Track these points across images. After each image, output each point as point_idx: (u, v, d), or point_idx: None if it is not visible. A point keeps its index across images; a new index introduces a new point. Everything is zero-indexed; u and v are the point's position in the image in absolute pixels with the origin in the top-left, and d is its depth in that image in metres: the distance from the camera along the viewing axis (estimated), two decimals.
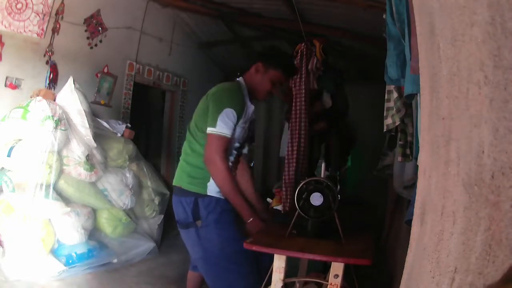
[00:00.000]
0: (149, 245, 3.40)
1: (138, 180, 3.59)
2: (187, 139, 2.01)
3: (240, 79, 2.07)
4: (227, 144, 1.82)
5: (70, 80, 3.02)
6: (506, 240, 0.47)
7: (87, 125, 2.97)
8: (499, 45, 0.48)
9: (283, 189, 3.09)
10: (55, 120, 2.75)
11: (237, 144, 1.98)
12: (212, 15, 4.61)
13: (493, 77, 0.49)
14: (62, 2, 3.40)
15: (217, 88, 2.02)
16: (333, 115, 3.18)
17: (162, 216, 3.79)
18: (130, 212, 3.42)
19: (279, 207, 3.00)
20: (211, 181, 1.86)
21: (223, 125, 1.79)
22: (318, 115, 3.14)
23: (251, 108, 1.98)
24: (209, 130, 1.81)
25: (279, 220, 1.97)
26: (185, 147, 2.01)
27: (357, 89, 4.09)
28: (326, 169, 1.98)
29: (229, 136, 1.81)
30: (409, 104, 1.70)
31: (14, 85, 3.13)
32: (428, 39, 0.68)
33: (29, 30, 3.14)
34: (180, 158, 2.02)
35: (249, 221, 1.85)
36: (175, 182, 1.97)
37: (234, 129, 1.85)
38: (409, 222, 0.98)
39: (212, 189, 1.87)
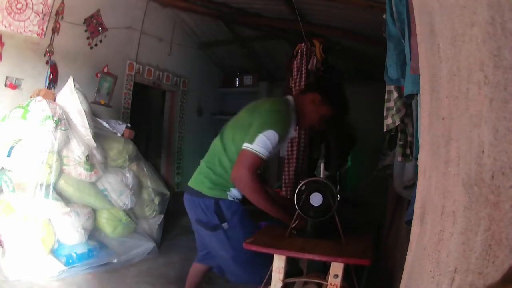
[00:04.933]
0: (149, 245, 3.40)
1: (138, 180, 3.59)
2: (216, 144, 1.95)
3: (290, 98, 1.96)
4: (260, 164, 1.74)
5: (70, 80, 3.02)
6: (506, 240, 0.47)
7: (87, 125, 2.97)
8: (499, 45, 0.48)
9: (283, 189, 3.09)
10: (55, 120, 2.75)
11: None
12: (212, 15, 4.61)
13: (493, 77, 0.49)
14: (62, 2, 3.40)
15: (267, 105, 1.90)
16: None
17: (162, 216, 3.79)
18: (130, 212, 3.42)
19: None
20: (232, 191, 1.87)
21: (261, 145, 1.70)
22: None
23: (292, 134, 1.93)
24: (245, 145, 1.72)
25: (279, 220, 1.97)
26: (212, 152, 1.96)
27: (357, 89, 4.09)
28: (326, 169, 1.98)
29: (264, 157, 1.72)
30: (409, 104, 1.70)
31: (14, 85, 3.13)
32: (428, 39, 0.68)
33: (29, 30, 3.14)
34: (204, 163, 1.97)
35: (293, 225, 1.80)
36: (193, 185, 1.94)
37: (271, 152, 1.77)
38: (409, 222, 0.98)
39: (232, 195, 1.89)
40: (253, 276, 1.89)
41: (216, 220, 1.86)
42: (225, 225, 1.86)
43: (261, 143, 1.70)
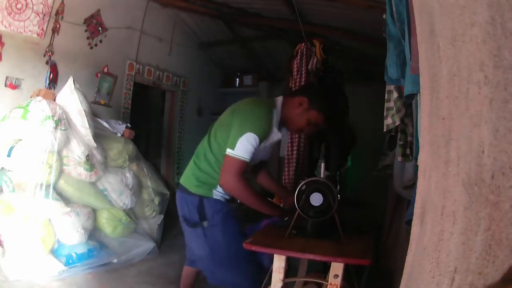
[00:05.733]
0: (149, 245, 3.40)
1: (138, 180, 3.59)
2: (204, 142, 1.99)
3: (279, 99, 1.96)
4: (244, 167, 1.77)
5: (70, 80, 3.02)
6: (506, 240, 0.47)
7: (87, 125, 2.97)
8: (499, 45, 0.48)
9: None
10: (55, 120, 2.75)
11: (254, 163, 1.97)
12: (212, 15, 4.61)
13: (493, 77, 0.49)
14: (62, 2, 3.40)
15: (247, 106, 1.90)
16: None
17: (162, 216, 3.79)
18: (130, 212, 3.42)
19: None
20: (218, 188, 1.89)
21: (242, 149, 1.73)
22: None
23: (276, 135, 1.91)
24: (228, 151, 1.76)
25: (279, 220, 1.97)
26: (199, 149, 1.99)
27: (357, 89, 4.09)
28: (326, 169, 1.98)
29: (247, 160, 1.76)
30: (409, 104, 1.70)
31: (14, 85, 3.13)
32: (428, 39, 0.68)
33: (29, 30, 3.14)
34: (192, 158, 2.01)
35: (286, 219, 1.87)
36: (183, 181, 2.00)
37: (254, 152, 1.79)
38: (409, 222, 0.98)
39: (217, 193, 1.91)
40: (227, 279, 1.90)
41: (196, 217, 1.89)
42: (204, 223, 1.88)
43: (242, 148, 1.74)
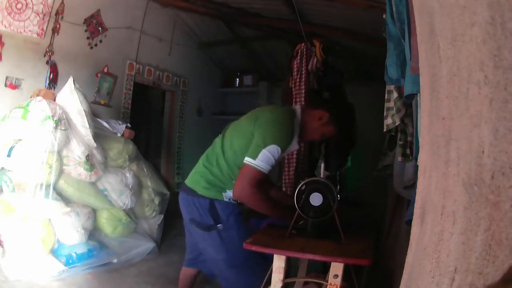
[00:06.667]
0: (149, 245, 3.40)
1: (138, 180, 3.59)
2: (216, 146, 1.95)
3: (297, 109, 1.94)
4: (262, 178, 1.76)
5: (70, 80, 3.02)
6: (506, 240, 0.47)
7: (87, 125, 2.97)
8: (499, 45, 0.48)
9: (283, 189, 3.09)
10: (55, 120, 2.75)
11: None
12: (212, 15, 4.61)
13: (493, 77, 0.49)
14: (62, 2, 3.40)
15: (270, 116, 1.86)
16: None
17: (162, 216, 3.79)
18: (130, 212, 3.42)
19: None
20: (227, 192, 1.88)
21: (264, 160, 1.71)
22: None
23: (294, 147, 1.92)
24: (248, 160, 1.73)
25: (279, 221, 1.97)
26: (210, 153, 1.96)
27: (357, 89, 4.09)
28: (326, 169, 1.98)
29: (266, 172, 1.74)
30: (409, 104, 1.70)
31: (14, 85, 3.13)
32: (428, 39, 0.68)
33: (29, 30, 3.14)
34: (201, 161, 1.98)
35: (301, 223, 1.85)
36: (189, 183, 1.95)
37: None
38: (409, 222, 0.98)
39: (227, 196, 1.89)
40: (244, 281, 1.88)
41: (210, 220, 1.86)
42: (219, 226, 1.86)
43: (264, 159, 1.71)
